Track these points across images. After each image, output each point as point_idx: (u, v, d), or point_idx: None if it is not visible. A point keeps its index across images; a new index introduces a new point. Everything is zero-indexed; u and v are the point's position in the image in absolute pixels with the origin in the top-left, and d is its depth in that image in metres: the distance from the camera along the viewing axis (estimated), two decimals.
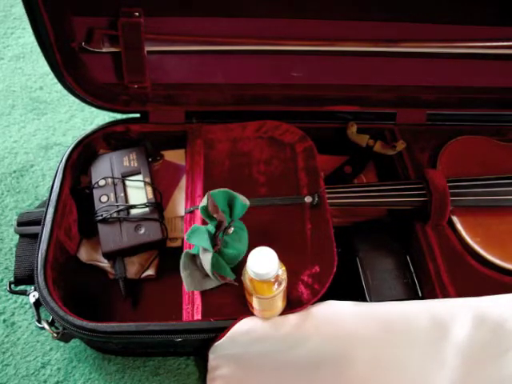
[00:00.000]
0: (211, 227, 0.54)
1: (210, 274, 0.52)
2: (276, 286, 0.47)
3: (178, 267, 0.58)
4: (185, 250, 0.56)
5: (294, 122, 0.70)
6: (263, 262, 0.45)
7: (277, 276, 0.47)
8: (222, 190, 0.54)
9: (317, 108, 0.72)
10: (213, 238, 0.53)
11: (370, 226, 0.67)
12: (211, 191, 0.54)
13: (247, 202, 0.55)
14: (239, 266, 0.55)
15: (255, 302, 0.49)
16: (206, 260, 0.52)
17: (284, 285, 0.48)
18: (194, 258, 0.56)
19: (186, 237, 0.54)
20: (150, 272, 0.63)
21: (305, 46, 0.65)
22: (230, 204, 0.55)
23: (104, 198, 0.64)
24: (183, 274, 0.54)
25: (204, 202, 0.53)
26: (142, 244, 0.62)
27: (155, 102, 0.69)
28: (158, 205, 0.65)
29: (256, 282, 0.46)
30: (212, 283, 0.54)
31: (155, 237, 0.62)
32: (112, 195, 0.64)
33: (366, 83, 0.71)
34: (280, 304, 0.51)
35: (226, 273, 0.53)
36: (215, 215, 0.53)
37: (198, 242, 0.53)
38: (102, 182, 0.66)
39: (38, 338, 0.63)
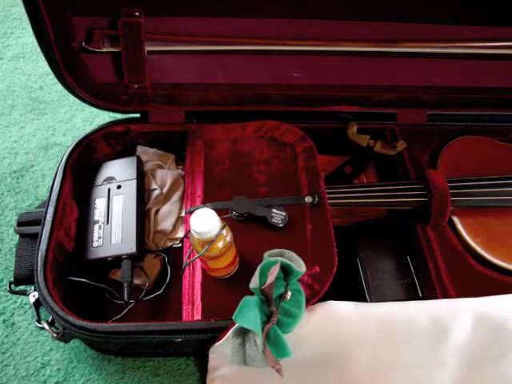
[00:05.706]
0: (263, 296, 0.48)
1: (259, 352, 0.46)
2: (221, 243, 0.49)
3: (178, 267, 0.58)
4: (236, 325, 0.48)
5: (294, 122, 0.70)
6: (205, 222, 0.46)
7: (220, 235, 0.48)
8: (274, 260, 0.48)
9: (317, 108, 0.72)
10: (267, 308, 0.48)
11: (370, 227, 0.67)
12: (265, 262, 0.47)
13: (303, 269, 0.49)
14: None
15: (209, 263, 0.52)
16: (258, 340, 0.46)
17: (229, 240, 0.50)
18: (246, 330, 0.48)
19: (233, 316, 0.46)
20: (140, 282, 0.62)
21: (305, 46, 0.65)
22: (285, 269, 0.49)
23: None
24: (231, 341, 0.48)
25: (256, 281, 0.47)
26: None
27: (155, 101, 0.69)
28: None
29: (202, 241, 0.48)
30: (259, 363, 0.46)
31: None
32: None
33: (367, 83, 0.71)
34: (229, 261, 0.53)
35: (282, 349, 0.46)
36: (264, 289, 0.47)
37: (247, 323, 0.45)
38: None
39: (37, 338, 0.63)
